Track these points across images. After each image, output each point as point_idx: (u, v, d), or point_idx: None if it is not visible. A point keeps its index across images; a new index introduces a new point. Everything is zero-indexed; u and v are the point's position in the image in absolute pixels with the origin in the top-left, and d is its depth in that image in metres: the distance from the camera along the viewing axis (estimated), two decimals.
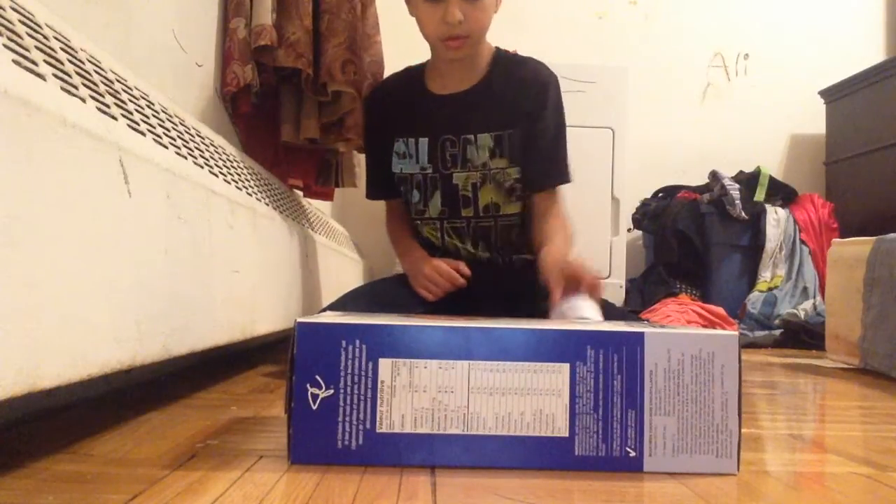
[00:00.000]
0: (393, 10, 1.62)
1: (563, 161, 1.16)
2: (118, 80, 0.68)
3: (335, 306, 1.11)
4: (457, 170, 1.15)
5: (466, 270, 1.13)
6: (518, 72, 1.15)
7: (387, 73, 1.45)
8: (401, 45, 1.67)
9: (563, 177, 1.17)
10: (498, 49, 1.18)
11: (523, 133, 1.12)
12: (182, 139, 0.79)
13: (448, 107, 1.15)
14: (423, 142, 1.15)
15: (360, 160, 1.77)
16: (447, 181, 1.15)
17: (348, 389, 0.55)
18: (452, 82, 1.16)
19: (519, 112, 1.12)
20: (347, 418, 0.54)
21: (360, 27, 1.39)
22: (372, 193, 1.27)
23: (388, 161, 1.19)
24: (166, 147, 0.71)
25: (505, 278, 1.20)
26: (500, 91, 1.13)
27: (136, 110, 0.68)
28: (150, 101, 0.75)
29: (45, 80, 0.50)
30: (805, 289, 2.54)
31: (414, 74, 1.21)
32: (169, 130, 0.76)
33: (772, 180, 2.69)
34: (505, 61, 1.16)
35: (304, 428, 0.54)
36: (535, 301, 1.09)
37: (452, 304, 1.16)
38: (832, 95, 2.78)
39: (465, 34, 1.05)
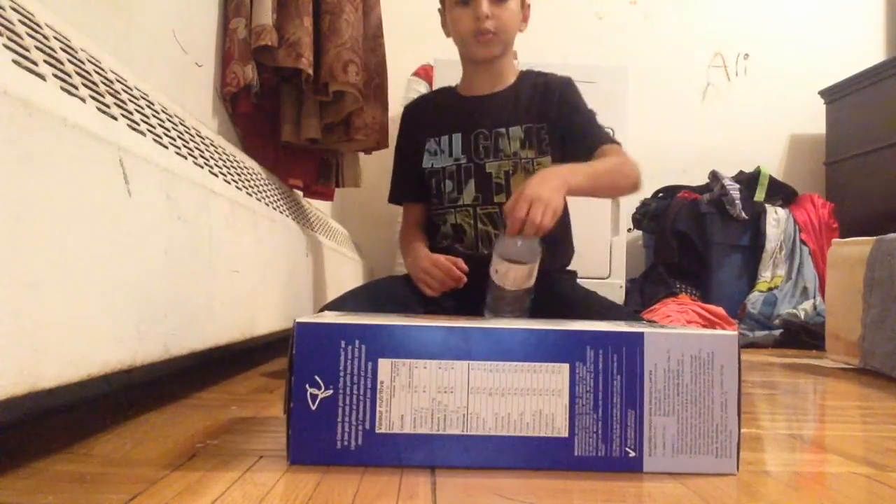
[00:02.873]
0: (394, 12, 1.63)
1: (604, 130, 1.25)
2: (118, 80, 0.68)
3: (333, 305, 1.10)
4: (489, 160, 1.21)
5: (464, 266, 1.15)
6: (542, 78, 1.27)
7: (390, 72, 1.47)
8: (402, 46, 1.67)
9: (608, 137, 1.24)
10: (523, 70, 1.31)
11: (558, 129, 1.22)
12: (182, 139, 0.79)
13: (479, 105, 1.24)
14: (457, 137, 1.23)
15: (363, 160, 1.77)
16: (481, 170, 1.22)
17: (347, 390, 0.55)
18: (483, 89, 1.26)
19: (547, 110, 1.22)
20: (347, 418, 0.54)
21: (362, 28, 1.39)
22: (396, 196, 1.33)
23: (418, 163, 1.26)
24: (166, 147, 0.71)
25: None
26: (528, 94, 1.24)
27: (136, 110, 0.68)
28: (150, 101, 0.75)
29: (45, 80, 0.50)
30: (805, 289, 2.54)
31: (446, 89, 1.34)
32: (169, 130, 0.76)
33: (772, 180, 2.69)
34: (531, 74, 1.29)
35: (304, 428, 0.54)
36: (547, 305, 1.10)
37: (458, 303, 1.16)
38: (832, 95, 2.78)
39: (494, 30, 1.18)
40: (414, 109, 1.34)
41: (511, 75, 1.27)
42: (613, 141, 1.23)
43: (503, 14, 1.18)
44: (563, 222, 1.24)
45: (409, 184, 1.29)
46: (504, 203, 1.17)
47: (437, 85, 2.06)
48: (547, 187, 1.00)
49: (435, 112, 1.29)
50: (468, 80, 1.28)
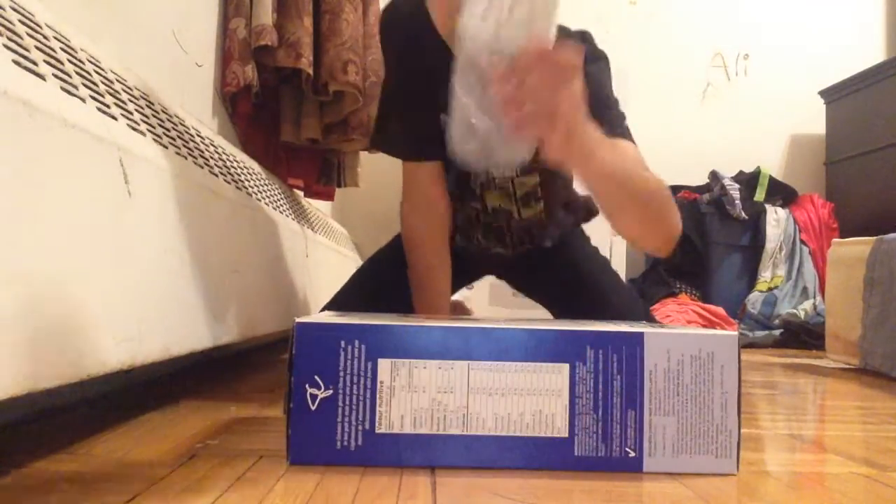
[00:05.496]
0: None
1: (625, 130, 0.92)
2: (118, 80, 0.68)
3: (332, 305, 1.09)
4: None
5: None
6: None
7: None
8: None
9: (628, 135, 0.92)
10: None
11: None
12: (182, 139, 0.79)
13: None
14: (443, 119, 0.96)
15: (364, 159, 1.76)
16: (460, 169, 0.99)
17: (347, 390, 0.55)
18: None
19: None
20: (346, 419, 0.54)
21: (361, 27, 1.38)
22: (410, 149, 0.96)
23: (419, 111, 0.94)
24: (166, 147, 0.71)
25: (515, 261, 1.11)
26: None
27: (136, 110, 0.68)
28: (149, 101, 0.75)
29: (45, 80, 0.50)
30: (805, 289, 2.54)
31: (428, 27, 0.93)
32: (169, 130, 0.76)
33: (772, 180, 2.69)
34: None
35: (303, 428, 0.54)
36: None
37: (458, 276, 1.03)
38: (832, 95, 2.78)
39: None
40: (404, 43, 0.96)
41: None
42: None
43: None
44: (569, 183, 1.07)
45: (422, 128, 0.93)
46: (480, 210, 1.00)
47: None
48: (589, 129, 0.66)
49: (430, 70, 0.89)
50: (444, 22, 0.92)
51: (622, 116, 0.92)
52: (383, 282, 1.10)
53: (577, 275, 1.08)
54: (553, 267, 1.09)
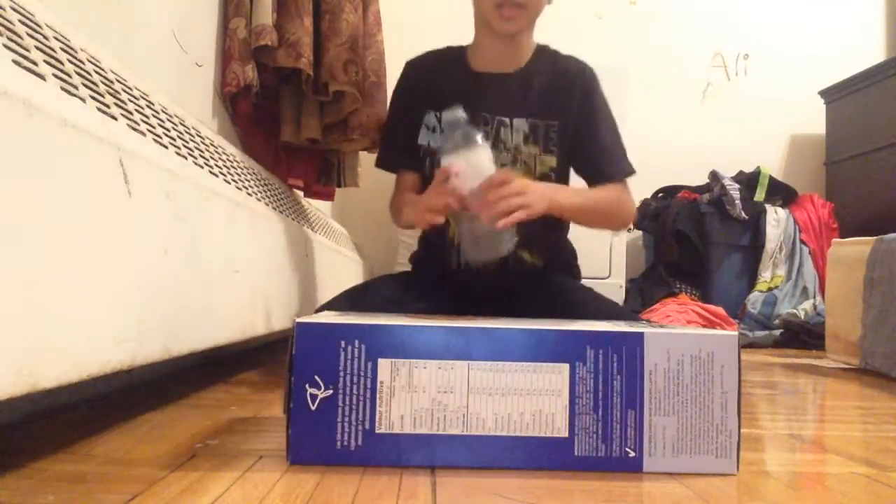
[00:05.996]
0: (394, 6, 1.62)
1: (624, 154, 1.16)
2: (118, 80, 0.68)
3: (330, 306, 1.09)
4: None
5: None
6: (561, 64, 1.17)
7: (389, 67, 1.45)
8: (401, 41, 1.67)
9: (627, 170, 1.15)
10: (539, 44, 1.19)
11: (572, 128, 1.12)
12: (182, 139, 0.79)
13: (485, 85, 1.13)
14: None
15: (364, 159, 1.76)
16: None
17: (347, 390, 0.55)
18: (494, 63, 1.14)
19: (561, 107, 1.12)
20: (346, 418, 0.54)
21: (361, 26, 1.38)
22: (387, 161, 1.21)
23: (414, 130, 1.15)
24: (166, 147, 0.71)
25: (513, 282, 1.15)
26: (542, 81, 1.13)
27: (136, 110, 0.68)
28: (150, 101, 0.75)
29: (45, 80, 0.50)
30: (805, 289, 2.54)
31: (455, 53, 1.19)
32: (169, 130, 0.76)
33: (772, 180, 2.69)
34: (548, 54, 1.18)
35: (303, 428, 0.54)
36: (543, 306, 1.07)
37: (455, 305, 1.13)
38: (832, 95, 2.78)
39: (523, 3, 1.05)
40: (418, 70, 1.20)
41: (527, 52, 1.15)
42: (628, 173, 1.15)
43: None
44: (562, 225, 1.19)
45: (402, 150, 1.17)
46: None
47: None
48: (539, 192, 0.97)
49: (439, 80, 1.16)
50: (480, 51, 1.15)
51: (619, 152, 1.16)
52: (374, 287, 1.16)
53: (567, 298, 1.10)
54: (540, 295, 1.10)
